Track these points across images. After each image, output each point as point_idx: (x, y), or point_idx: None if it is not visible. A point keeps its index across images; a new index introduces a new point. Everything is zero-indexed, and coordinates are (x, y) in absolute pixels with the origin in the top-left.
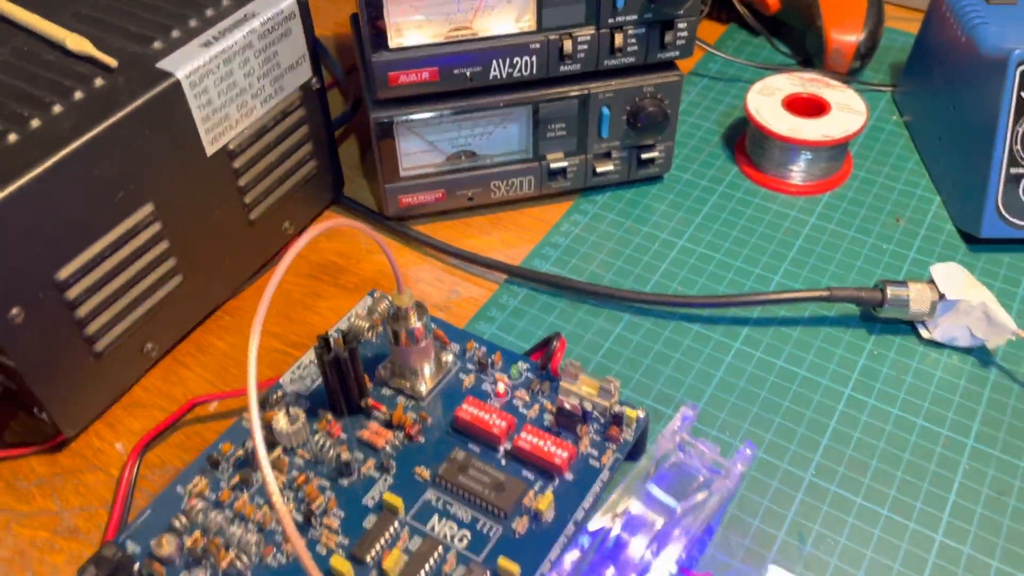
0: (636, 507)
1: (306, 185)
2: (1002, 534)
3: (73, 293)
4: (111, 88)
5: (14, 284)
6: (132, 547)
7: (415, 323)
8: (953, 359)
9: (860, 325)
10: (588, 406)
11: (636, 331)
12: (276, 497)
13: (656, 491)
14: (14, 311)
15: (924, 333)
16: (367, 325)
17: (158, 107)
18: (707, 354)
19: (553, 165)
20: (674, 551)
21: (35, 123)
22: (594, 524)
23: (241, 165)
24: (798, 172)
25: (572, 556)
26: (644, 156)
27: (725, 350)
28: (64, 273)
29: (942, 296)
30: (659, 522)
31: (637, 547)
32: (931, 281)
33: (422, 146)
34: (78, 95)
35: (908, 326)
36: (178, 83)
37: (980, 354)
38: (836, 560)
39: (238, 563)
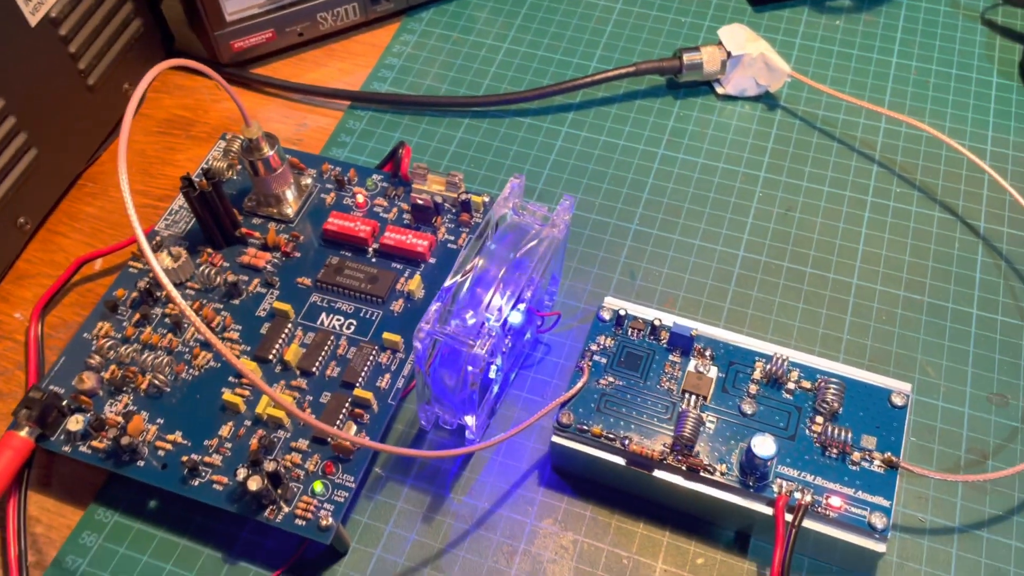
0: (480, 263)
1: (136, 44)
2: (791, 239)
3: None
4: None
5: None
6: (56, 389)
7: (268, 151)
8: (745, 108)
9: (667, 93)
10: (439, 199)
11: (476, 132)
12: (181, 303)
13: (493, 246)
14: None
15: (719, 89)
16: (225, 165)
17: None
18: (540, 141)
19: None
20: (517, 291)
21: None
22: (447, 282)
23: (67, 32)
24: None
25: (434, 307)
26: None
27: (555, 135)
28: None
29: (729, 54)
30: (501, 271)
31: (487, 294)
32: (719, 43)
33: None
34: None
35: (706, 86)
36: None
37: (767, 99)
38: (661, 286)
39: (156, 382)
